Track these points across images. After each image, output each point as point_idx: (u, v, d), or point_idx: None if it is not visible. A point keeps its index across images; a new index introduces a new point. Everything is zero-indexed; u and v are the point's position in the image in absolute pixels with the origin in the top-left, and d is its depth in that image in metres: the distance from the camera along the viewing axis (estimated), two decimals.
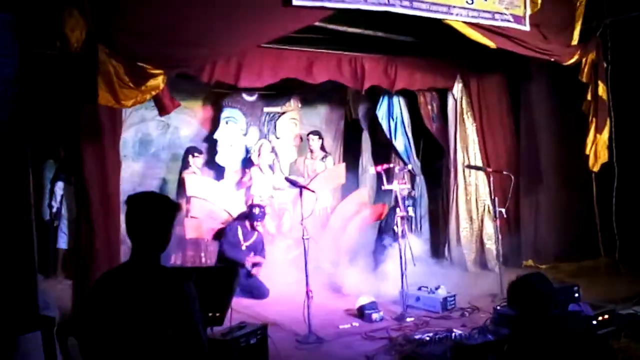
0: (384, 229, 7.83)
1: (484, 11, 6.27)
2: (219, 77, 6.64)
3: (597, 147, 7.37)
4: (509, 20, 6.43)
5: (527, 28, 6.54)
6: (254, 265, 7.45)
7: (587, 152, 7.40)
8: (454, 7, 6.05)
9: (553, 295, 3.18)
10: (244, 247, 7.55)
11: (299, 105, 9.49)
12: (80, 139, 5.50)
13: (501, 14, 6.38)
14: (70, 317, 5.25)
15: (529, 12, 6.55)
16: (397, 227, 6.38)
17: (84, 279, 5.54)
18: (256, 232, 7.68)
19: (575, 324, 3.23)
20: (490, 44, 6.47)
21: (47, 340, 3.46)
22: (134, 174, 8.37)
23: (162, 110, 5.97)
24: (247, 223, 7.63)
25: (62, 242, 8.04)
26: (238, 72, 6.71)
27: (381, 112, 9.25)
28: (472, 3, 6.16)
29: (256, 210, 7.62)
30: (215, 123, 9.05)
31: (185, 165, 8.52)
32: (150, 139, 8.74)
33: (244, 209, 8.35)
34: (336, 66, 7.47)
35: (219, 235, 7.81)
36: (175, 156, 8.83)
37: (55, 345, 3.55)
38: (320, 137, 9.15)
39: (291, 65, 7.21)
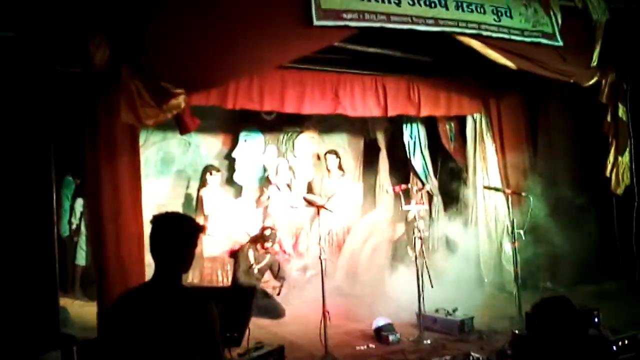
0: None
1: (513, 28, 6.26)
2: (242, 104, 6.64)
3: (619, 169, 7.32)
4: (538, 37, 6.39)
5: (560, 43, 6.48)
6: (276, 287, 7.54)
7: (607, 174, 7.35)
8: (483, 24, 6.02)
9: (576, 320, 3.14)
10: (255, 270, 7.57)
11: (318, 124, 9.52)
12: (97, 157, 5.49)
13: (530, 31, 6.36)
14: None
15: (557, 28, 6.52)
16: (415, 247, 6.35)
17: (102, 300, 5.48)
18: (269, 255, 7.72)
19: (596, 349, 3.19)
20: (510, 64, 6.46)
21: (67, 358, 3.49)
22: (157, 193, 8.47)
23: (183, 129, 5.99)
24: (259, 245, 7.68)
25: (81, 258, 8.12)
26: (261, 96, 6.72)
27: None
28: (500, 21, 6.15)
29: (267, 232, 7.70)
30: (234, 141, 9.11)
31: (203, 182, 8.60)
32: (172, 157, 8.82)
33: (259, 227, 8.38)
34: (361, 97, 7.43)
35: (234, 256, 7.85)
36: (198, 174, 8.90)
37: None
38: (338, 157, 9.17)
39: (315, 98, 7.16)
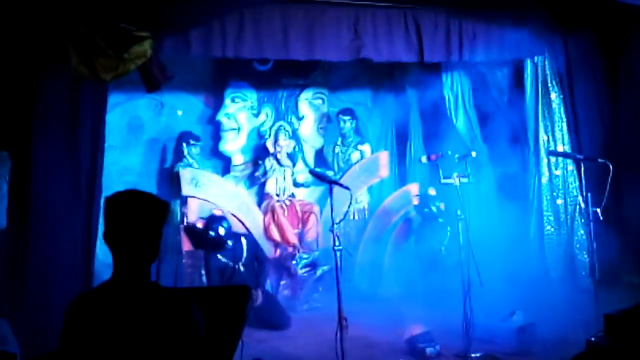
0: None
1: None
2: (235, 51, 6.55)
3: None
4: None
5: None
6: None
7: None
8: None
9: None
10: (242, 269, 7.63)
11: (328, 75, 9.51)
12: (35, 124, 5.51)
13: None
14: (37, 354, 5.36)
15: None
16: (460, 234, 6.37)
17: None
18: (238, 238, 7.78)
19: None
20: None
21: None
22: (126, 169, 8.57)
23: (151, 85, 5.99)
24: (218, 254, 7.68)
25: None
26: (258, 40, 6.66)
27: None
28: None
29: (212, 234, 7.57)
30: (220, 101, 9.13)
31: (178, 156, 8.58)
32: (141, 123, 8.87)
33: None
34: (386, 36, 7.35)
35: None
36: (174, 143, 8.88)
37: None
38: (354, 118, 9.16)
39: (328, 40, 7.07)
